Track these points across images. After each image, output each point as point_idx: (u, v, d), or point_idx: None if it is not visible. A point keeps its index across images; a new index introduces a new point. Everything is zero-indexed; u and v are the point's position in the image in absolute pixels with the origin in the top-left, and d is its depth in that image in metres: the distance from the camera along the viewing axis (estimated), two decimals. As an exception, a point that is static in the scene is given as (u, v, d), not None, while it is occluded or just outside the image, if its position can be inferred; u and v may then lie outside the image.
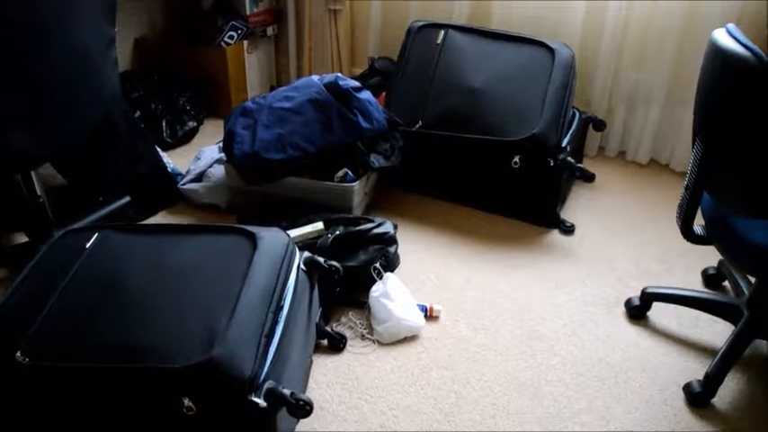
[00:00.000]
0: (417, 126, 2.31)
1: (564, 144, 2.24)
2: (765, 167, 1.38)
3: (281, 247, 1.55)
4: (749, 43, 1.34)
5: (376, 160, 2.14)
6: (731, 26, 1.43)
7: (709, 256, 2.07)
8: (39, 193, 1.97)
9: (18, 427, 1.39)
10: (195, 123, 2.85)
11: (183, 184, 2.38)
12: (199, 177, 2.40)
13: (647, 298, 1.91)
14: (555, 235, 2.29)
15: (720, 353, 1.67)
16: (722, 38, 1.42)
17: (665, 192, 2.53)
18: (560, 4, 2.59)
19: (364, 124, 2.11)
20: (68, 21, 1.65)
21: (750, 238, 1.54)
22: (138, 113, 2.68)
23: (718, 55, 1.42)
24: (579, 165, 2.27)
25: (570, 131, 2.33)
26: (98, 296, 1.42)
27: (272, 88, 3.12)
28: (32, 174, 1.95)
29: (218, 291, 1.41)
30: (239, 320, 1.34)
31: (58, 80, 1.69)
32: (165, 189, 2.38)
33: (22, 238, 2.21)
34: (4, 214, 2.27)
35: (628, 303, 1.95)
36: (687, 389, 1.67)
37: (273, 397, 1.28)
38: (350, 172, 2.12)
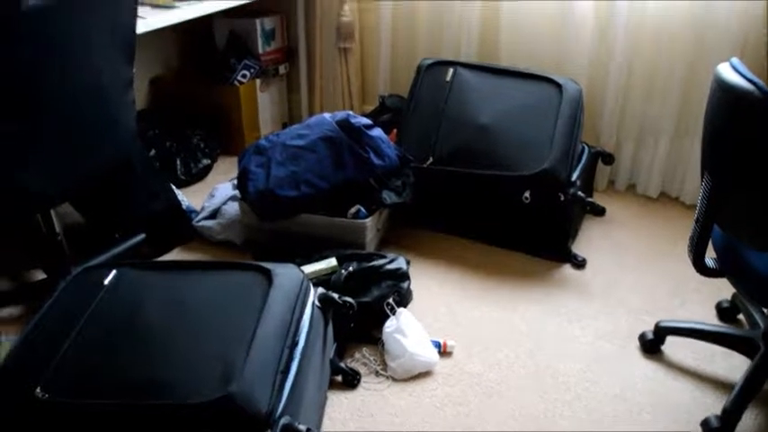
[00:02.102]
0: (428, 162, 2.34)
1: (574, 179, 2.26)
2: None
3: (296, 283, 1.56)
4: (753, 77, 1.37)
5: (388, 197, 2.17)
6: (735, 60, 1.46)
7: (723, 289, 2.07)
8: (57, 230, 2.01)
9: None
10: (209, 161, 2.89)
11: (198, 221, 2.41)
12: (213, 214, 2.42)
13: (661, 332, 1.91)
14: (567, 269, 2.30)
15: (738, 387, 1.66)
16: (726, 72, 1.44)
17: (676, 225, 2.54)
18: (567, 39, 2.63)
19: (376, 161, 2.14)
20: (86, 63, 1.69)
21: (763, 270, 1.54)
22: (153, 152, 2.72)
23: (722, 89, 1.45)
24: (589, 199, 2.29)
25: (579, 166, 2.35)
26: (117, 333, 1.44)
27: (285, 125, 3.18)
28: (52, 212, 1.98)
29: (234, 327, 1.43)
30: (255, 356, 1.35)
31: (76, 122, 1.72)
32: (181, 226, 2.41)
33: (39, 275, 2.24)
34: (22, 251, 2.30)
35: (642, 338, 1.95)
36: (705, 425, 1.65)
37: (289, 433, 1.28)
38: (362, 208, 2.14)
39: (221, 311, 1.48)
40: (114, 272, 1.63)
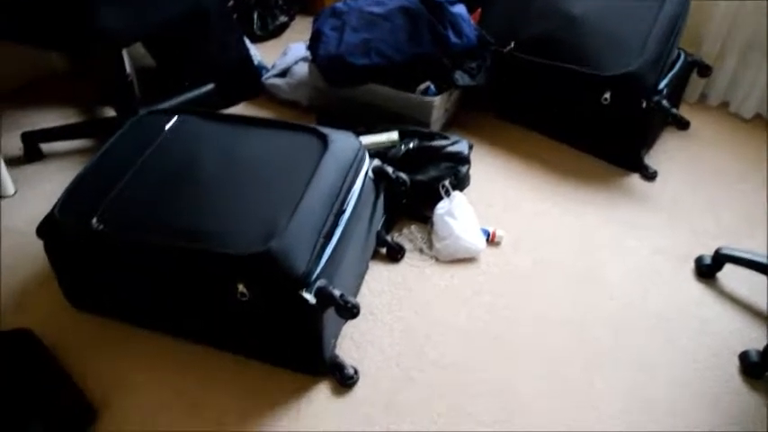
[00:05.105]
0: (509, 48, 2.22)
1: (661, 86, 2.11)
2: None
3: (352, 151, 1.55)
4: None
5: (461, 77, 2.08)
6: None
7: (798, 224, 1.95)
8: (128, 71, 2.03)
9: (85, 286, 1.50)
10: (287, 18, 2.84)
11: (267, 78, 2.40)
12: (283, 73, 2.41)
13: (720, 258, 1.83)
14: (635, 179, 2.20)
15: (787, 325, 1.60)
16: None
17: (763, 150, 2.37)
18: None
19: (453, 39, 2.04)
20: None
21: None
22: (231, 3, 2.68)
23: None
24: (674, 110, 2.14)
25: (671, 73, 2.18)
26: (170, 177, 1.49)
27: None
28: (123, 52, 2.00)
29: (283, 187, 1.44)
30: (300, 218, 1.37)
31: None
32: (250, 81, 2.41)
33: (111, 113, 2.30)
34: (97, 88, 2.37)
35: (698, 261, 1.87)
36: (743, 357, 1.61)
37: (323, 295, 1.32)
38: (432, 86, 2.07)
39: (273, 170, 1.50)
40: (176, 118, 1.65)
